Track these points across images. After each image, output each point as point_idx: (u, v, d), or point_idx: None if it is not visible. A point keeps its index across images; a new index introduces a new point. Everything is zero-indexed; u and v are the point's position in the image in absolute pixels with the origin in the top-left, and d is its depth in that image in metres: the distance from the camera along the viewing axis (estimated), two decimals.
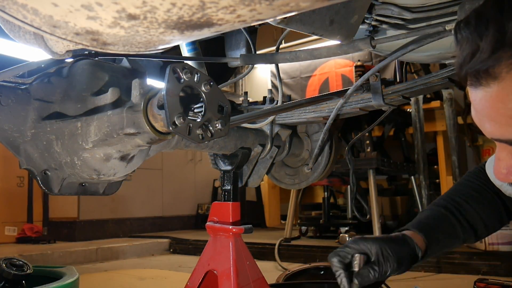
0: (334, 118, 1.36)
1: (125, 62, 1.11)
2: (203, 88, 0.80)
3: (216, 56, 1.44)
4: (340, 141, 2.17)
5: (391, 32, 1.08)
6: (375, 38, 0.99)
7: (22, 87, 0.96)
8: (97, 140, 0.89)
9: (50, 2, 0.55)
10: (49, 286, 1.27)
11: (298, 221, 4.13)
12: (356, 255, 0.98)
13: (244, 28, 1.29)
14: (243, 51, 1.35)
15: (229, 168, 1.28)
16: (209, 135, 0.80)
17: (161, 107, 0.80)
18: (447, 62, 1.27)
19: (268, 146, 1.46)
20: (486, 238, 2.65)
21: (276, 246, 3.26)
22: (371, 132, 3.48)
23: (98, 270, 3.13)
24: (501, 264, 2.52)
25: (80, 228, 4.32)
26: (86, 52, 0.99)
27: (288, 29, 0.88)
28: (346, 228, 3.57)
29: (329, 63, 4.12)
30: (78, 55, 0.99)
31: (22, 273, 1.39)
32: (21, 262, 1.42)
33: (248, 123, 1.37)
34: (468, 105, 3.60)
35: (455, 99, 3.68)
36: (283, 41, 1.38)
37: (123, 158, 0.96)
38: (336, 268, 1.00)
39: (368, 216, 2.98)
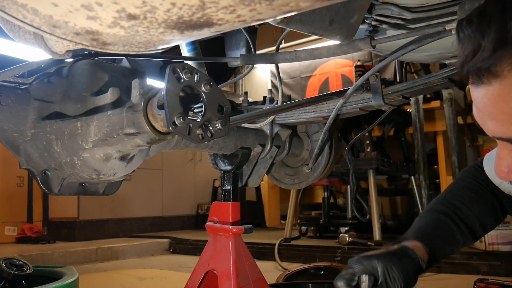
0: (334, 118, 1.36)
1: (125, 62, 1.11)
2: (203, 88, 0.80)
3: (216, 56, 1.44)
4: (340, 141, 2.17)
5: (391, 32, 1.08)
6: (375, 38, 0.99)
7: (22, 87, 0.96)
8: (97, 140, 0.89)
9: (50, 2, 0.55)
10: (49, 286, 1.27)
11: (298, 221, 4.13)
12: (363, 276, 0.95)
13: (244, 28, 1.29)
14: (243, 51, 1.35)
15: (229, 168, 1.28)
16: (209, 135, 0.80)
17: (161, 107, 0.80)
18: (447, 62, 1.27)
19: (268, 146, 1.46)
20: (486, 238, 2.65)
21: (276, 246, 3.26)
22: (371, 132, 3.48)
23: (98, 270, 3.13)
24: (501, 264, 2.52)
25: (80, 228, 4.32)
26: (86, 52, 0.99)
27: (288, 29, 0.88)
28: (346, 228, 3.57)
29: (329, 63, 4.12)
30: (78, 55, 0.99)
31: (22, 273, 1.39)
32: (21, 262, 1.42)
33: (248, 123, 1.37)
34: (468, 105, 3.61)
35: (455, 99, 3.68)
36: (283, 41, 1.38)
37: (123, 158, 0.96)
38: None
39: (368, 216, 2.98)
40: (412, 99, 3.22)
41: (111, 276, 2.88)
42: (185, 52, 1.38)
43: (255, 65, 1.42)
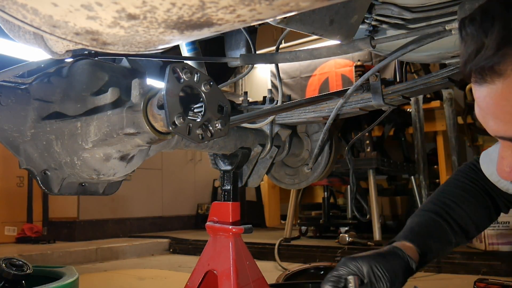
0: (334, 118, 1.36)
1: (125, 62, 1.11)
2: (203, 88, 0.80)
3: (216, 56, 1.44)
4: (340, 141, 2.17)
5: (391, 32, 1.08)
6: (375, 38, 0.99)
7: (22, 87, 0.96)
8: (97, 140, 0.89)
9: (50, 2, 0.55)
10: (49, 286, 1.27)
11: (298, 221, 4.13)
12: (349, 277, 0.95)
13: (244, 28, 1.29)
14: (243, 51, 1.35)
15: (229, 168, 1.28)
16: (209, 135, 0.80)
17: (161, 107, 0.80)
18: (447, 62, 1.27)
19: (268, 146, 1.46)
20: (486, 238, 2.65)
21: (276, 246, 3.26)
22: (371, 132, 3.48)
23: (97, 270, 3.13)
24: (501, 264, 2.52)
25: (80, 228, 4.32)
26: (86, 52, 0.99)
27: (288, 29, 0.88)
28: (346, 228, 3.57)
29: (329, 63, 4.12)
30: (78, 55, 0.99)
31: (22, 273, 1.39)
32: (20, 262, 1.42)
33: (248, 123, 1.37)
34: (468, 105, 3.61)
35: (455, 99, 3.68)
36: (283, 41, 1.38)
37: (123, 158, 0.96)
38: None
39: (368, 216, 2.98)
40: (412, 99, 3.22)
41: (111, 276, 2.88)
42: (185, 52, 1.38)
43: (255, 65, 1.42)
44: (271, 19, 0.70)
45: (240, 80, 5.60)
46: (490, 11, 0.62)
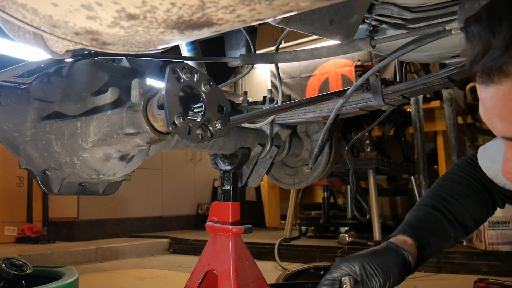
0: (334, 118, 1.36)
1: (124, 62, 1.11)
2: (202, 88, 0.80)
3: (216, 56, 1.43)
4: (340, 141, 2.17)
5: (391, 32, 1.08)
6: (375, 38, 0.99)
7: (21, 87, 0.96)
8: (97, 140, 0.89)
9: (49, 2, 0.55)
10: (48, 286, 1.27)
11: (298, 221, 4.13)
12: (343, 278, 0.95)
13: (244, 28, 1.29)
14: (243, 51, 1.35)
15: (229, 168, 1.28)
16: (209, 135, 0.80)
17: (160, 107, 0.80)
18: (447, 62, 1.27)
19: (268, 146, 1.46)
20: (486, 238, 2.65)
21: (276, 246, 3.25)
22: (371, 132, 3.47)
23: (97, 270, 3.13)
24: (501, 264, 2.52)
25: (79, 228, 4.32)
26: (86, 52, 0.99)
27: (288, 29, 0.88)
28: (346, 228, 3.57)
29: (329, 63, 4.12)
30: (78, 55, 0.99)
31: (22, 273, 1.39)
32: (20, 262, 1.42)
33: (248, 123, 1.37)
34: (468, 105, 3.60)
35: (455, 99, 3.68)
36: (283, 41, 1.38)
37: (122, 158, 0.96)
38: None
39: (368, 216, 2.97)
40: (412, 99, 3.22)
41: (111, 276, 2.88)
42: (185, 52, 1.38)
43: (255, 65, 1.42)
44: (271, 19, 0.70)
45: (240, 80, 5.60)
46: (497, 10, 0.61)
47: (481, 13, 0.63)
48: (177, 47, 1.40)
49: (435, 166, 4.06)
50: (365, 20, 1.03)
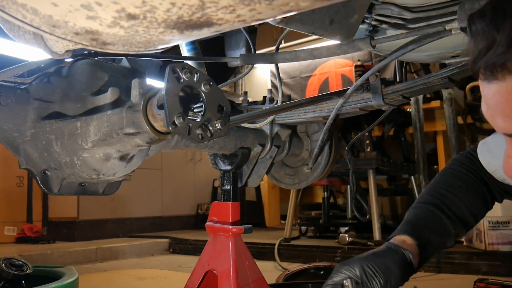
0: (334, 118, 1.36)
1: (124, 62, 1.11)
2: (202, 88, 0.80)
3: (216, 56, 1.43)
4: (340, 141, 2.17)
5: (391, 32, 1.08)
6: (375, 38, 0.99)
7: (21, 87, 0.96)
8: (97, 140, 0.89)
9: (49, 1, 0.55)
10: (48, 286, 1.27)
11: (298, 221, 4.13)
12: (345, 281, 0.95)
13: (244, 28, 1.29)
14: (242, 50, 1.35)
15: (228, 168, 1.28)
16: (209, 135, 0.80)
17: (160, 107, 0.80)
18: (447, 62, 1.27)
19: (268, 146, 1.46)
20: (486, 238, 2.65)
21: (276, 246, 3.25)
22: (371, 132, 3.48)
23: (97, 270, 3.13)
24: (501, 264, 2.52)
25: (79, 228, 4.32)
26: (86, 52, 0.99)
27: (288, 28, 0.88)
28: (346, 228, 3.57)
29: (329, 63, 4.12)
30: (78, 55, 0.98)
31: (22, 273, 1.39)
32: (20, 262, 1.42)
33: (248, 123, 1.37)
34: (468, 105, 3.60)
35: (455, 99, 3.68)
36: (283, 41, 1.38)
37: (122, 158, 0.96)
38: None
39: (368, 216, 2.98)
40: (412, 99, 3.22)
41: (110, 276, 2.88)
42: (185, 52, 1.38)
43: (255, 65, 1.42)
44: (271, 19, 0.70)
45: (240, 80, 5.60)
46: (501, 6, 0.61)
47: (485, 10, 0.63)
48: (177, 47, 1.40)
49: (435, 166, 4.06)
50: (365, 20, 1.03)
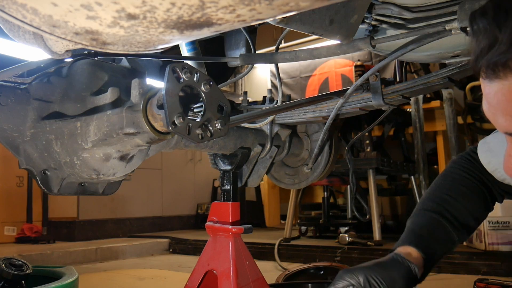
0: (334, 118, 1.36)
1: (124, 62, 1.11)
2: (202, 88, 0.80)
3: (216, 56, 1.43)
4: (340, 141, 2.17)
5: (391, 32, 1.08)
6: (375, 38, 0.99)
7: (21, 87, 0.96)
8: (97, 140, 0.89)
9: (49, 1, 0.55)
10: (48, 286, 1.27)
11: (298, 221, 4.13)
12: None
13: (244, 28, 1.29)
14: (242, 50, 1.35)
15: (228, 168, 1.28)
16: (209, 135, 0.80)
17: (160, 107, 0.80)
18: (447, 62, 1.27)
19: (268, 145, 1.46)
20: (486, 238, 2.65)
21: (276, 246, 3.26)
22: (371, 132, 3.48)
23: (97, 270, 3.13)
24: (501, 264, 2.52)
25: (79, 228, 4.32)
26: (86, 52, 0.99)
27: (288, 28, 0.88)
28: (346, 228, 3.57)
29: (329, 63, 4.12)
30: (78, 54, 0.99)
31: (22, 273, 1.39)
32: (20, 262, 1.42)
33: (248, 123, 1.37)
34: (468, 105, 3.60)
35: (455, 98, 3.68)
36: (282, 41, 1.38)
37: (122, 158, 0.96)
38: None
39: (368, 216, 2.97)
40: (412, 99, 3.22)
41: (110, 276, 2.88)
42: (185, 51, 1.38)
43: (254, 65, 1.42)
44: (271, 19, 0.70)
45: (240, 80, 5.60)
46: (503, 4, 0.61)
47: (487, 8, 0.63)
48: (177, 47, 1.40)
49: (435, 166, 4.06)
50: (365, 20, 1.03)
